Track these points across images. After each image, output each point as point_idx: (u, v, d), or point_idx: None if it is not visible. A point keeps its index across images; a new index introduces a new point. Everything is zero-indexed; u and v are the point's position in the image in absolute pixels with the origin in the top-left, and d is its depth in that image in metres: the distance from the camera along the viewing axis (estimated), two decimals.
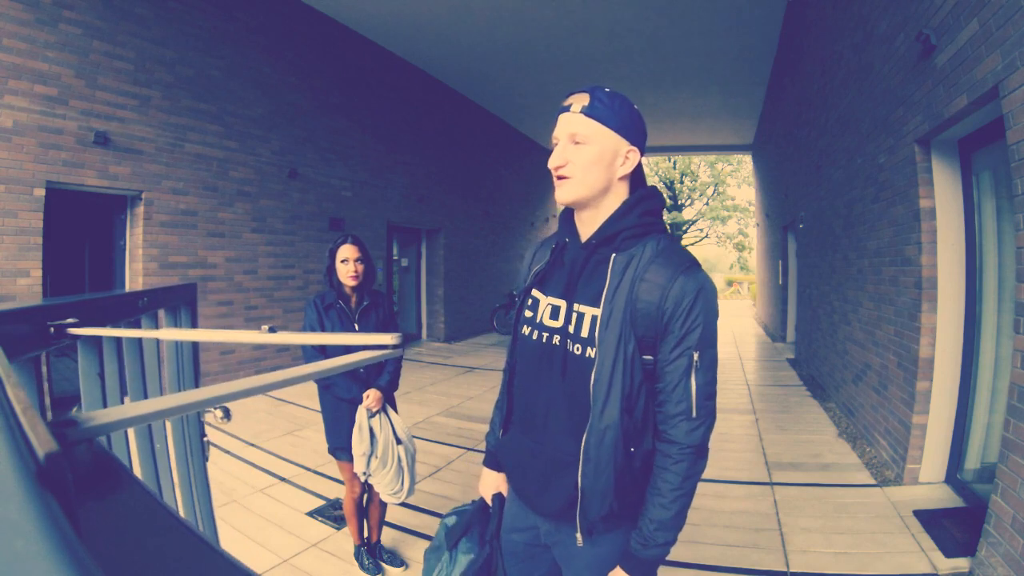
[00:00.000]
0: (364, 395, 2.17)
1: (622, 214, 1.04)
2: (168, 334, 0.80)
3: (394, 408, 2.34)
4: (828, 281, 5.35)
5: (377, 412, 2.22)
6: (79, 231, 4.89)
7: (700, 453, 1.01)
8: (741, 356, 8.15)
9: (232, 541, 2.56)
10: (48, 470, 0.22)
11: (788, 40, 7.10)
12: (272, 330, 0.63)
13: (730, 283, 31.99)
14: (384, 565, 2.37)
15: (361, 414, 2.18)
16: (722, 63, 8.54)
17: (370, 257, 2.27)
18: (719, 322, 1.03)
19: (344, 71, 7.33)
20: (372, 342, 0.54)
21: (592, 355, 1.01)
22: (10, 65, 4.04)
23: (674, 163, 28.78)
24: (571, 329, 1.04)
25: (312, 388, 2.53)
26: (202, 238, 5.49)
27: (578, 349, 1.03)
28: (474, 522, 1.22)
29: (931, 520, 2.66)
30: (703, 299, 0.98)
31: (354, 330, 2.23)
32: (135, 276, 5.06)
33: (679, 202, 30.25)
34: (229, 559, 0.32)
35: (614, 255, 1.03)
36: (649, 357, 1.00)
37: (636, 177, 1.08)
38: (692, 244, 31.87)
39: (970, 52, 2.37)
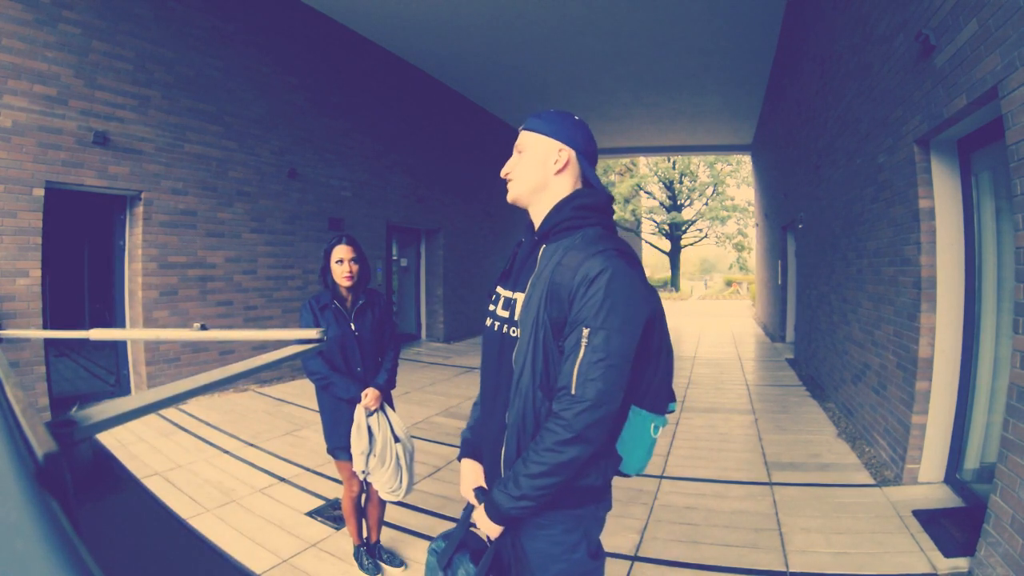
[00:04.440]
0: (363, 394, 2.18)
1: (558, 209, 1.15)
2: (97, 334, 0.80)
3: (391, 406, 2.34)
4: (827, 281, 5.35)
5: (375, 411, 2.22)
6: (78, 231, 4.88)
7: (574, 435, 0.98)
8: (740, 356, 8.15)
9: (232, 541, 2.56)
10: (47, 470, 0.22)
11: (787, 40, 7.10)
12: (203, 327, 0.66)
13: (729, 283, 32.01)
14: (383, 565, 2.37)
15: (359, 413, 2.18)
16: (722, 63, 8.54)
17: (365, 257, 2.27)
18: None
19: (344, 71, 7.33)
20: (298, 336, 0.58)
21: (517, 334, 1.10)
22: (9, 65, 4.04)
23: (674, 163, 28.79)
24: (509, 315, 1.16)
25: (311, 389, 2.52)
26: (201, 238, 5.49)
27: (513, 331, 1.13)
28: (466, 539, 1.16)
29: (930, 520, 2.66)
30: (606, 279, 1.01)
31: (350, 330, 2.23)
32: (134, 276, 5.05)
33: (678, 202, 30.25)
34: (229, 559, 0.32)
35: (544, 246, 1.14)
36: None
37: (585, 180, 1.20)
38: (691, 244, 31.92)
39: (969, 52, 2.37)
